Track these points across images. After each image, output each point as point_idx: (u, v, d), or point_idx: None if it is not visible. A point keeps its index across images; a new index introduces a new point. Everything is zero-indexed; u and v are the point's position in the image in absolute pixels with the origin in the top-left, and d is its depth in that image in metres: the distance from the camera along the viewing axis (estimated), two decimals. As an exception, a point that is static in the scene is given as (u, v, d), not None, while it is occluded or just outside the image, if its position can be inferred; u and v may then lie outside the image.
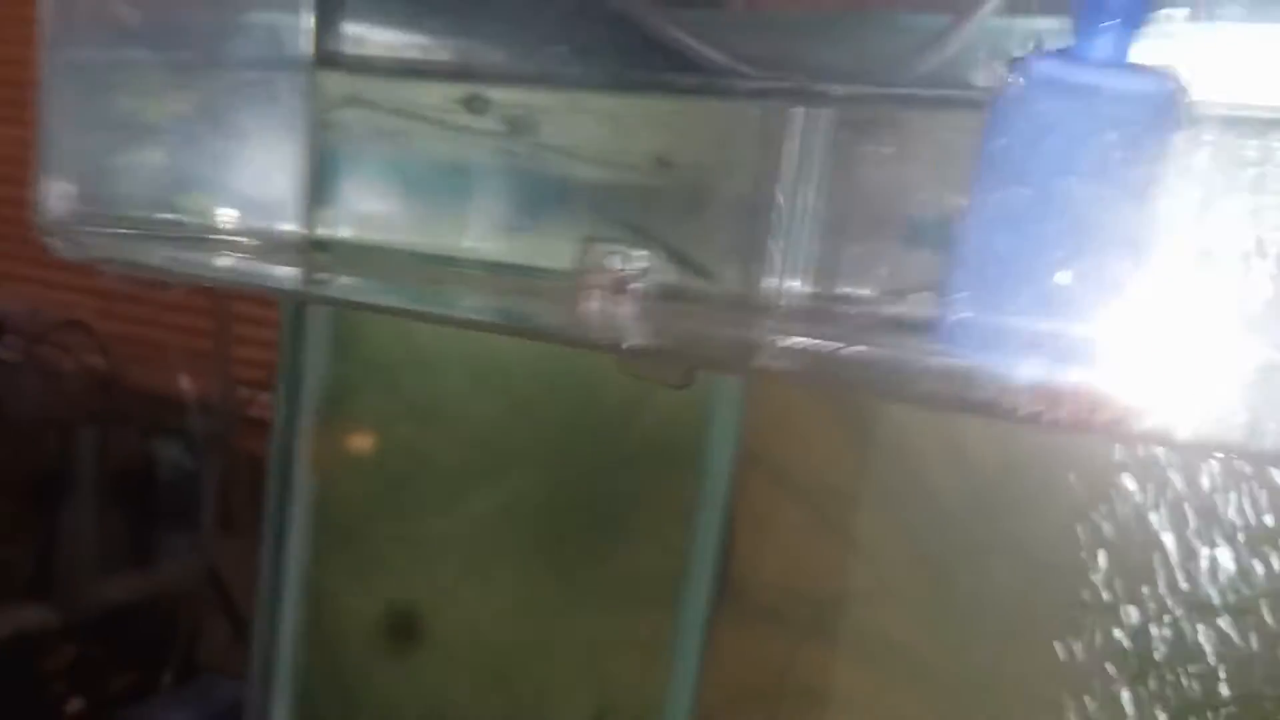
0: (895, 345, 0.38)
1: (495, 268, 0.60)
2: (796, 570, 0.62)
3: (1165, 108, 0.33)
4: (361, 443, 0.79)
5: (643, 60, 0.59)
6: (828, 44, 0.50)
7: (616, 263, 0.58)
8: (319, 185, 0.63)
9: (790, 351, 0.38)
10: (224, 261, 0.53)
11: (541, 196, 0.63)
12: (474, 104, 0.66)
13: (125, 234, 0.53)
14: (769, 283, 0.55)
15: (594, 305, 0.56)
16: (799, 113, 0.49)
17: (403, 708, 0.80)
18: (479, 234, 0.62)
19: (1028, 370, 0.35)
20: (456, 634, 0.79)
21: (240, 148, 0.62)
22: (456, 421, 0.76)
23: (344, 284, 0.55)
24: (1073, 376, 0.35)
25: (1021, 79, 0.34)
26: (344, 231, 0.64)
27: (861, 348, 0.36)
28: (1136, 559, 0.52)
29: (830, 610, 0.61)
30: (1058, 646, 0.54)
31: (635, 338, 0.41)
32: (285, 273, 0.54)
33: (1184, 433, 0.34)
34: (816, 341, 0.37)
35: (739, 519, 0.64)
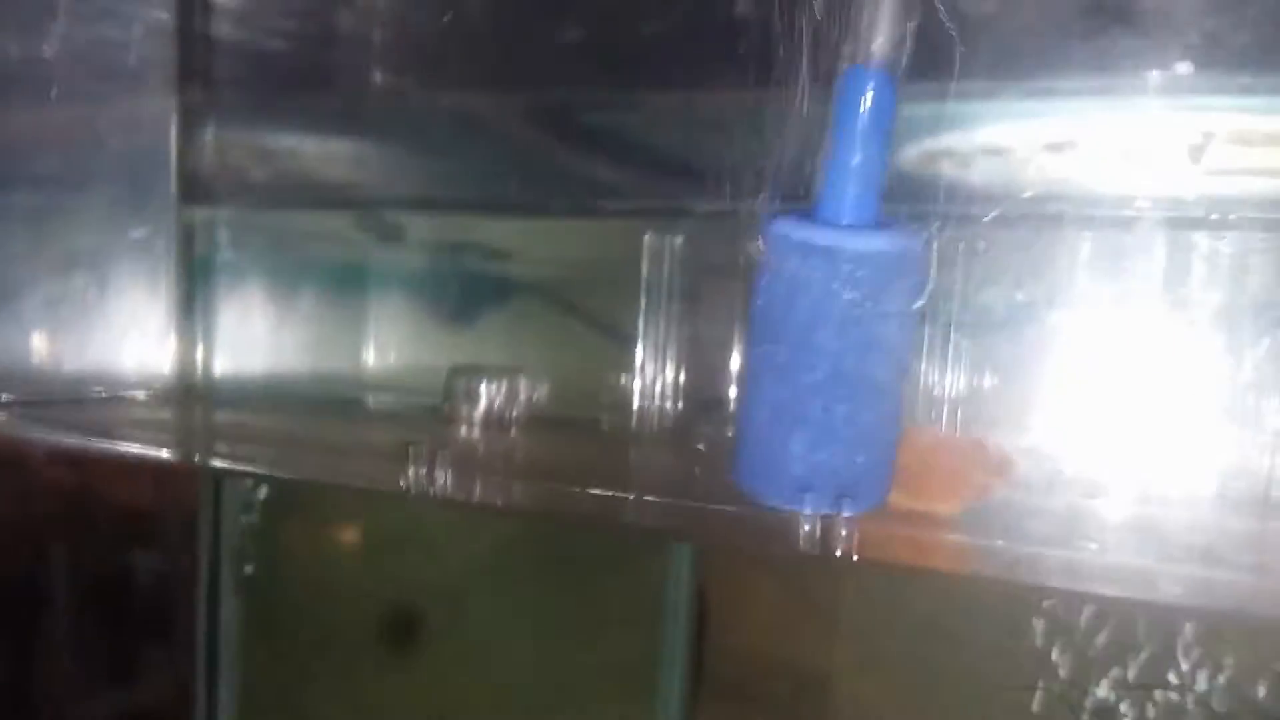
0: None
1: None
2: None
3: (902, 265, 0.36)
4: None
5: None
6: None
7: (485, 391, 0.61)
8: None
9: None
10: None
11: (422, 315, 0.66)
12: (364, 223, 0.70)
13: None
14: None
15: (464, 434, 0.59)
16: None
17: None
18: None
19: (808, 508, 0.37)
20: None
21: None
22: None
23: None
24: (847, 512, 0.37)
25: (771, 242, 0.37)
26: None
27: (651, 497, 0.39)
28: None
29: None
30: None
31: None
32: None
33: (944, 560, 0.36)
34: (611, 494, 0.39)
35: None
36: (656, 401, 0.60)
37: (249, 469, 0.48)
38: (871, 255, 0.35)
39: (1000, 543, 0.37)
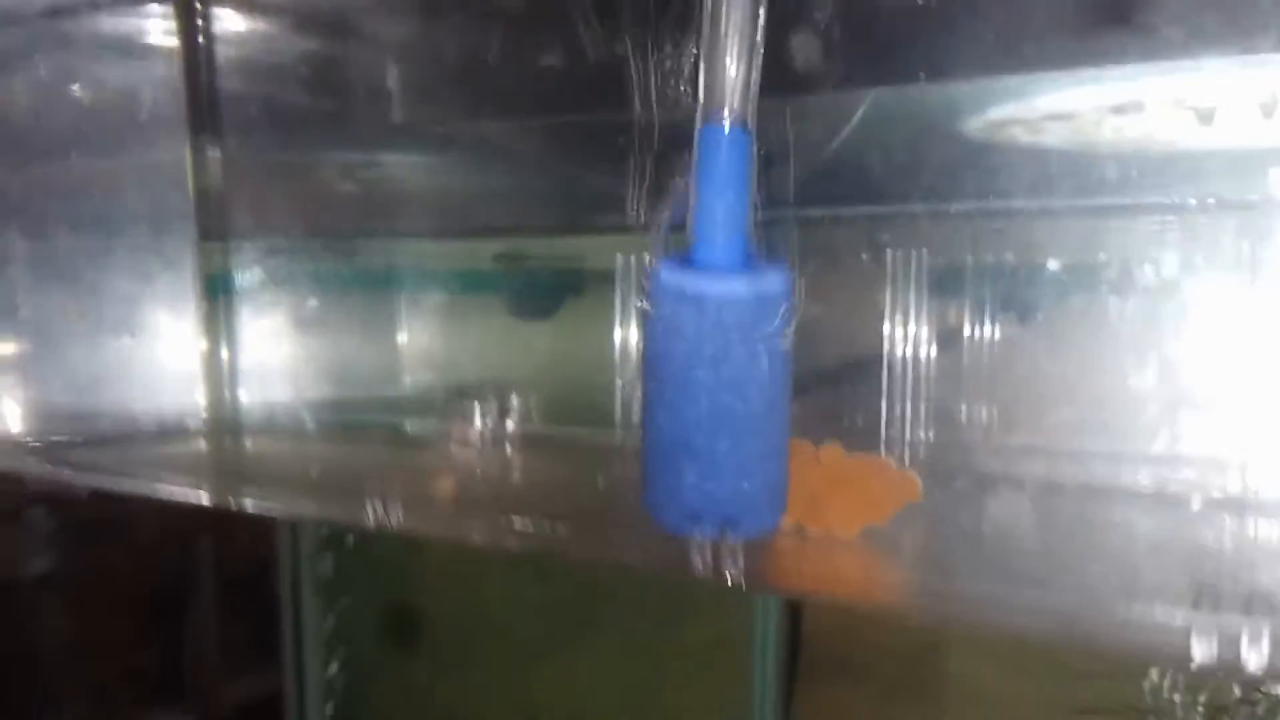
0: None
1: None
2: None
3: (764, 306, 0.38)
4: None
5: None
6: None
7: (479, 415, 0.65)
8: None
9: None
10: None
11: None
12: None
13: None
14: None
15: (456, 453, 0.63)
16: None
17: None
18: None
19: (698, 534, 0.39)
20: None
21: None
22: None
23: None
24: (735, 538, 0.39)
25: (651, 288, 0.39)
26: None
27: (563, 529, 0.42)
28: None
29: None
30: None
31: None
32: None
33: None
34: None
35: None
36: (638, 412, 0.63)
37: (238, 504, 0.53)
38: (735, 300, 0.37)
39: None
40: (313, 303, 0.76)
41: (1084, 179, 0.50)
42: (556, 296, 0.71)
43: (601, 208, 0.65)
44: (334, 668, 0.84)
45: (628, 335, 0.61)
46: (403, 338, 0.74)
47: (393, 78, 0.71)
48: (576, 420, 0.66)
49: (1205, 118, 0.49)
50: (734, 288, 0.38)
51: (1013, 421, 0.52)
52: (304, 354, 0.76)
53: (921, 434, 0.53)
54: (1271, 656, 0.30)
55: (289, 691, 0.92)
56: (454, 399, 0.67)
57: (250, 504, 0.51)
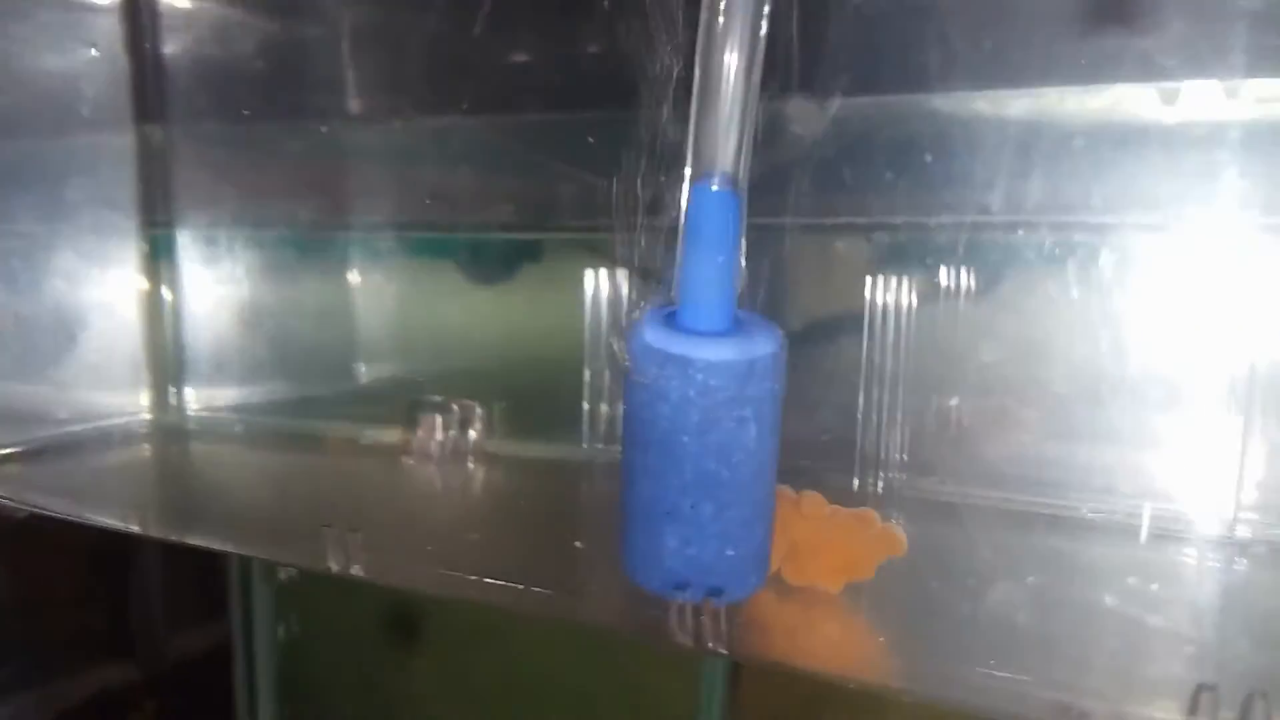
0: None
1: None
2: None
3: (753, 371, 0.36)
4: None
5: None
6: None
7: (441, 426, 0.63)
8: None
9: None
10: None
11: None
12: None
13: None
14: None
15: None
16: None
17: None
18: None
19: (682, 599, 0.38)
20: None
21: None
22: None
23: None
24: (719, 604, 0.38)
25: (633, 349, 0.38)
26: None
27: (538, 589, 0.40)
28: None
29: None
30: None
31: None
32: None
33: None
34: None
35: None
36: (603, 426, 0.62)
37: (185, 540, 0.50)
38: (722, 364, 0.36)
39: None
40: (262, 293, 0.73)
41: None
42: (512, 261, 0.69)
43: (573, 211, 0.63)
44: (282, 625, 0.82)
45: (598, 312, 0.60)
46: (354, 321, 0.72)
47: (351, 67, 0.68)
48: (542, 423, 0.65)
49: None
50: (723, 352, 0.36)
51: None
52: (253, 347, 0.73)
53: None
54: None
55: (237, 643, 0.91)
56: (413, 406, 0.65)
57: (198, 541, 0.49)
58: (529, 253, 0.68)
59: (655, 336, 0.37)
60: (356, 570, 0.44)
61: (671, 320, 0.37)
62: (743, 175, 0.35)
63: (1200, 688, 0.31)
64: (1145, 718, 0.32)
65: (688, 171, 0.35)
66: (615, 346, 0.38)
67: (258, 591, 0.84)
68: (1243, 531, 0.48)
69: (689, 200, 0.36)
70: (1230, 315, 0.48)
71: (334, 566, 0.45)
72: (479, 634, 0.73)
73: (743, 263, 0.37)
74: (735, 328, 0.37)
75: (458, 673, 0.74)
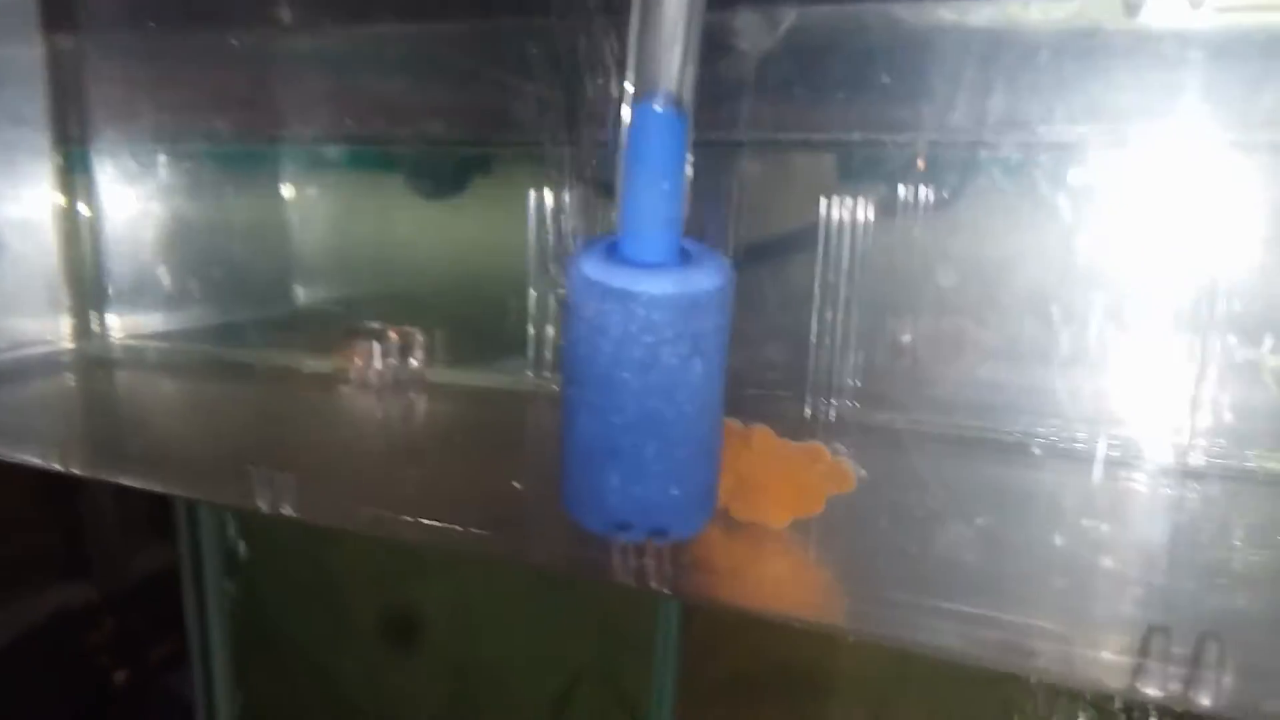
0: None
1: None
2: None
3: (698, 305, 0.34)
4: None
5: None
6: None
7: (380, 354, 0.61)
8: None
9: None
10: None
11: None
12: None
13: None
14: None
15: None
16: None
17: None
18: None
19: (625, 539, 0.37)
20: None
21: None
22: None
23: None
24: (662, 543, 0.37)
25: (573, 282, 0.35)
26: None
27: (476, 530, 0.39)
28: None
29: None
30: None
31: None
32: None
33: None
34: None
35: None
36: (549, 354, 0.60)
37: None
38: (666, 298, 0.34)
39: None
40: (188, 212, 0.70)
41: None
42: (461, 176, 0.66)
43: (520, 124, 0.60)
44: (236, 540, 0.80)
45: (544, 231, 0.57)
46: (289, 240, 0.68)
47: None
48: (486, 350, 0.62)
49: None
50: (667, 285, 0.34)
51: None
52: (180, 270, 0.70)
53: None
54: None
55: (186, 562, 0.90)
56: (350, 332, 0.62)
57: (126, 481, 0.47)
58: (480, 166, 0.65)
59: (595, 269, 0.35)
60: (286, 510, 0.42)
61: (613, 251, 0.35)
62: (687, 95, 0.33)
63: (1151, 629, 0.30)
64: (1091, 658, 0.31)
65: (629, 89, 0.33)
66: (553, 273, 0.36)
67: (204, 511, 0.82)
68: (1196, 459, 0.48)
69: (631, 122, 0.33)
70: (1193, 233, 0.47)
71: (262, 506, 0.43)
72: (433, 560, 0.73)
73: (688, 188, 0.35)
74: (680, 260, 0.35)
75: (407, 598, 0.74)
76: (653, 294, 0.34)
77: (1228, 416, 0.48)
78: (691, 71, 0.33)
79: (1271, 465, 0.47)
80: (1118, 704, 0.49)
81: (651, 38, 0.32)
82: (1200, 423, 0.48)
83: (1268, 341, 0.47)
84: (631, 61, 0.32)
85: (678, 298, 0.34)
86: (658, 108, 0.33)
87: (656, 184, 0.34)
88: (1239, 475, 0.47)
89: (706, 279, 0.35)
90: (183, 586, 0.93)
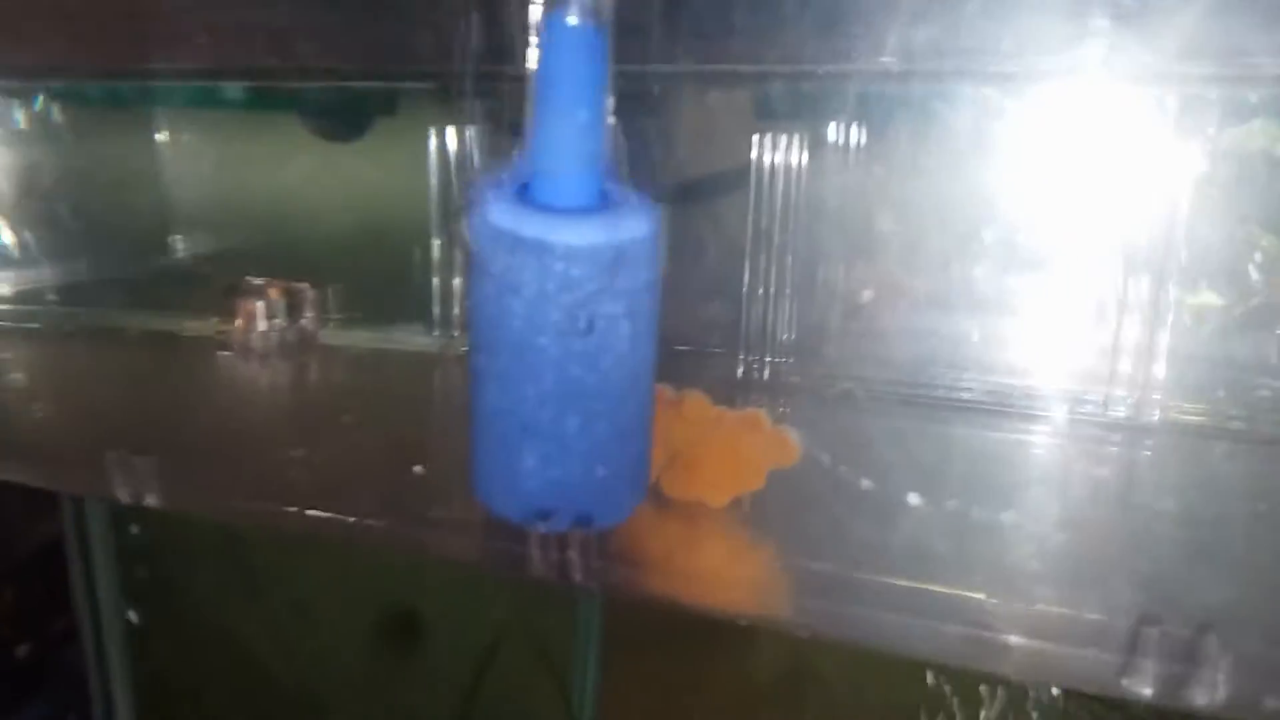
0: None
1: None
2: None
3: (625, 256, 0.29)
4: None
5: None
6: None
7: (264, 314, 0.54)
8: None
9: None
10: None
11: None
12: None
13: None
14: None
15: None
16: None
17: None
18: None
19: (545, 528, 0.32)
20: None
21: None
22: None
23: None
24: (578, 526, 0.32)
25: (476, 230, 0.30)
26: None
27: (372, 521, 0.34)
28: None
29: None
30: None
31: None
32: None
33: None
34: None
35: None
36: (456, 309, 0.54)
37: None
38: (587, 250, 0.29)
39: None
40: (44, 158, 0.62)
41: None
42: (364, 116, 0.60)
43: (417, 57, 0.53)
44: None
45: (447, 176, 0.52)
46: (163, 188, 0.61)
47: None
48: (385, 308, 0.57)
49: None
50: (586, 235, 0.29)
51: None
52: (37, 223, 0.62)
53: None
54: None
55: (70, 538, 0.83)
56: (231, 289, 0.55)
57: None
58: (384, 105, 0.59)
59: (503, 215, 0.29)
60: (151, 500, 0.37)
61: (524, 195, 0.30)
62: (605, 6, 0.27)
63: (1142, 620, 0.27)
64: (1065, 654, 0.27)
65: (538, 2, 0.27)
66: (460, 224, 0.31)
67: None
68: (1117, 411, 0.46)
69: (541, 39, 0.28)
70: (1135, 172, 0.44)
71: (122, 497, 0.37)
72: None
73: (611, 119, 0.29)
74: (602, 203, 0.30)
75: (318, 557, 0.68)
76: (572, 244, 0.29)
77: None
78: (612, -24, 0.27)
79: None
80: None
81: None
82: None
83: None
84: (541, -35, 0.27)
85: (601, 249, 0.29)
86: (572, 20, 0.27)
87: (571, 113, 0.28)
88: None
89: (634, 226, 0.29)
90: (69, 558, 0.86)
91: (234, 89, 0.61)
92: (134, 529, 0.74)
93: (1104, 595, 0.30)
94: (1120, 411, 0.46)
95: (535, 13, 0.28)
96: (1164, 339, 0.45)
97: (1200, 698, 0.26)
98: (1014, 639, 0.28)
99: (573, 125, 0.29)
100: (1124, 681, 0.27)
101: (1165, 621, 0.27)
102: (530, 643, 0.66)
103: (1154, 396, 0.46)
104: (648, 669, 0.63)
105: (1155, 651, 0.26)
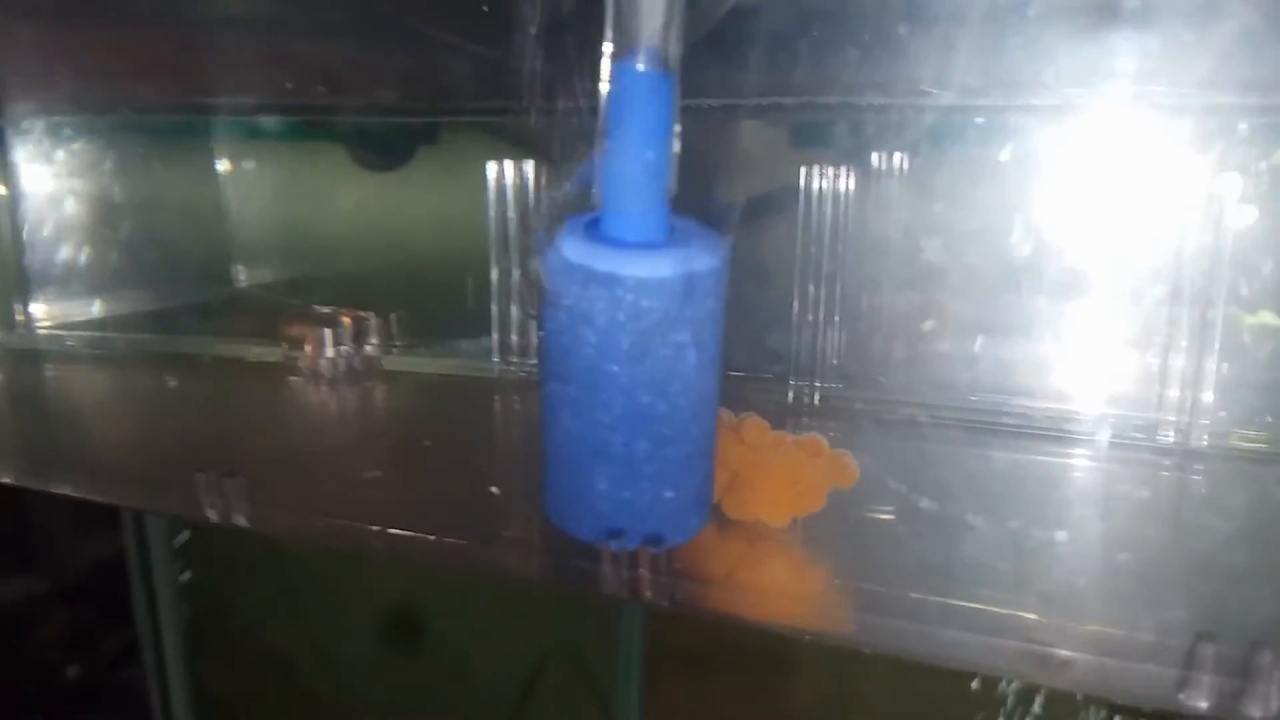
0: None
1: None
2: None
3: (692, 288, 0.31)
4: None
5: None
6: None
7: (332, 341, 0.56)
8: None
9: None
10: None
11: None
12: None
13: None
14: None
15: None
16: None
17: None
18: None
19: (616, 548, 0.34)
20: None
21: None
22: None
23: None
24: (657, 551, 0.34)
25: (550, 265, 0.32)
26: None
27: (451, 539, 0.35)
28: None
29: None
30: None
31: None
32: None
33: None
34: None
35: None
36: (515, 336, 0.56)
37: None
38: (655, 282, 0.30)
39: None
40: (115, 189, 0.64)
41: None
42: (407, 146, 0.62)
43: (473, 91, 0.55)
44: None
45: (504, 205, 0.54)
46: (226, 218, 0.64)
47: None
48: (447, 334, 0.59)
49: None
50: (655, 268, 0.30)
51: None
52: (109, 253, 0.65)
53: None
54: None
55: (131, 551, 0.86)
56: (299, 317, 0.57)
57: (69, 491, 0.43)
58: (426, 137, 0.61)
59: (576, 250, 0.31)
60: (240, 521, 0.39)
61: (594, 230, 0.32)
62: (674, 52, 0.29)
63: (1199, 636, 0.28)
64: (1127, 669, 0.28)
65: (608, 48, 0.29)
66: (522, 255, 0.33)
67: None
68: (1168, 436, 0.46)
69: (611, 83, 0.29)
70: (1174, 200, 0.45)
71: (212, 516, 0.39)
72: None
73: (676, 158, 0.31)
74: (669, 238, 0.32)
75: (368, 583, 0.70)
76: (641, 277, 0.30)
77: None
78: (678, 26, 0.29)
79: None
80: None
81: (635, -12, 0.28)
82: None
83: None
84: (610, 16, 0.29)
85: (670, 281, 0.31)
86: (640, 67, 0.29)
87: (640, 154, 0.30)
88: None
89: (700, 259, 0.31)
90: (130, 577, 0.89)
91: (286, 121, 0.64)
92: (191, 542, 0.77)
93: (1160, 613, 0.31)
94: (1170, 436, 0.47)
95: (605, 58, 0.29)
96: (1212, 363, 0.46)
97: (1255, 710, 0.27)
98: (1070, 653, 0.29)
99: (641, 165, 0.30)
100: (1181, 696, 0.27)
101: (1220, 638, 0.28)
102: (574, 664, 0.67)
103: (1202, 421, 0.46)
104: (691, 691, 0.64)
105: (1211, 667, 0.27)
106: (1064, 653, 0.29)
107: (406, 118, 0.62)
